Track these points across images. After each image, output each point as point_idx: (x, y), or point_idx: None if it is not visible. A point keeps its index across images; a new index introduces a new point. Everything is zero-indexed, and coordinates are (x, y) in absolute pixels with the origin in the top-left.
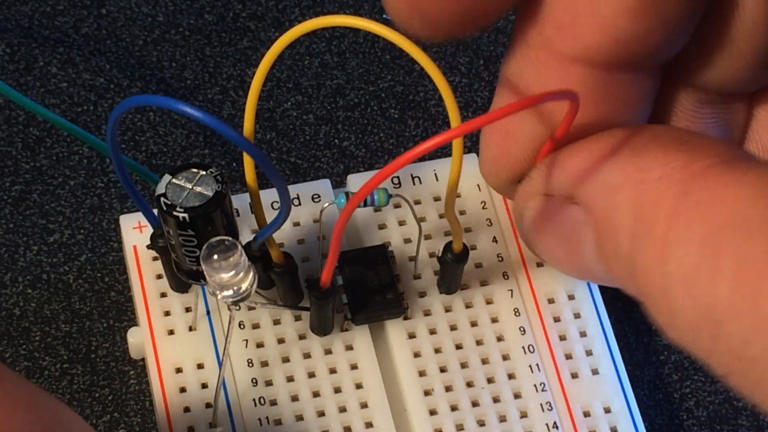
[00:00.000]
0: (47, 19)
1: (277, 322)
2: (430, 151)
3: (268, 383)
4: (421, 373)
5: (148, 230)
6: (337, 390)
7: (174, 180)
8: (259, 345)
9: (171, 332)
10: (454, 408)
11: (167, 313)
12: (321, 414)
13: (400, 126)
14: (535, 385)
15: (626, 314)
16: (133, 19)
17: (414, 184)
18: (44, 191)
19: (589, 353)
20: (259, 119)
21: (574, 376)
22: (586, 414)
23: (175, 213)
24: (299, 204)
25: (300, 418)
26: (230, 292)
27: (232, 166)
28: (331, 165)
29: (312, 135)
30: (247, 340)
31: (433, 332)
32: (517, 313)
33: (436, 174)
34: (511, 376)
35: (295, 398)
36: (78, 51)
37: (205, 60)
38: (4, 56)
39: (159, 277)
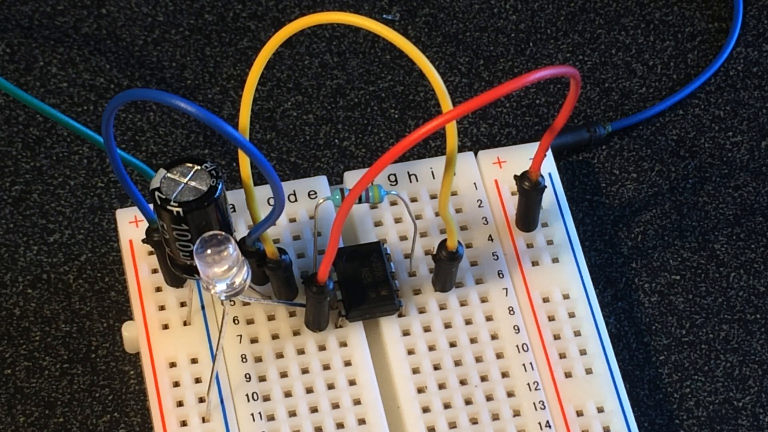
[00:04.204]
0: (47, 19)
1: (271, 318)
2: (426, 137)
3: (262, 379)
4: (415, 371)
5: (145, 225)
6: (331, 386)
7: (169, 174)
8: (254, 340)
9: (165, 326)
10: (447, 406)
11: (162, 308)
12: (314, 410)
13: (400, 126)
14: (528, 384)
15: (626, 314)
16: (133, 19)
17: (411, 181)
18: (44, 191)
19: (583, 353)
20: (259, 119)
21: (568, 375)
22: (579, 413)
23: (169, 207)
24: (295, 200)
25: (293, 414)
26: (224, 286)
27: (232, 165)
28: (331, 165)
29: (312, 135)
30: (241, 336)
31: (427, 330)
32: (512, 312)
33: (432, 172)
34: (504, 375)
35: (288, 394)
36: (78, 51)
37: (205, 60)
38: (4, 56)
39: (154, 271)
